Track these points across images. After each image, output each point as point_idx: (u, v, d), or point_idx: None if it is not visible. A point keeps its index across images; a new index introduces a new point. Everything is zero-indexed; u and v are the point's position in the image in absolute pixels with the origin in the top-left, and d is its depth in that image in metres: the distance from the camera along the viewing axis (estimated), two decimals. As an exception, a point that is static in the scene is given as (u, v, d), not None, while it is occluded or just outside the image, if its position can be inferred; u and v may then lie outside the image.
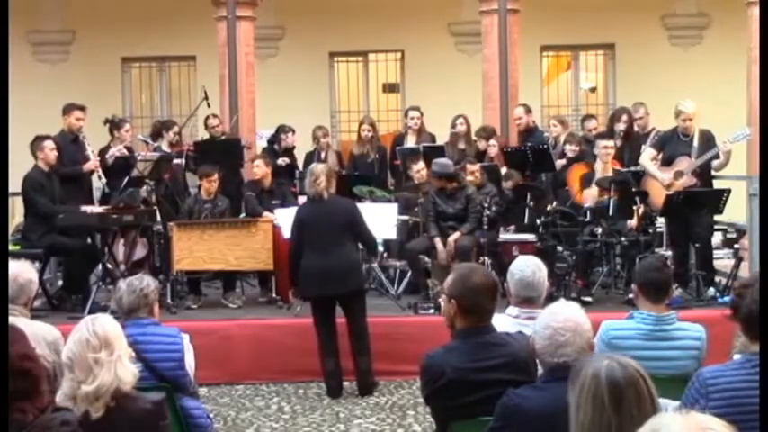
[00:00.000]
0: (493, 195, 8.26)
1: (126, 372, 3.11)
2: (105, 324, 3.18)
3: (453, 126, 9.62)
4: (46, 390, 2.74)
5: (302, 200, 9.22)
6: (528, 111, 9.68)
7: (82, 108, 8.51)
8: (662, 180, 7.96)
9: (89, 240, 8.05)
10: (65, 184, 8.12)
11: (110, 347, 3.12)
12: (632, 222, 8.00)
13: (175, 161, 9.24)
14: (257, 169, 8.69)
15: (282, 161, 9.36)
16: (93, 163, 8.46)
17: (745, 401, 3.00)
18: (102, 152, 8.85)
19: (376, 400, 6.74)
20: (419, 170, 8.66)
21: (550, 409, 2.95)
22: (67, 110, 8.49)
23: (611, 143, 8.42)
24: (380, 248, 8.49)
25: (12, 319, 3.38)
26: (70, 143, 8.43)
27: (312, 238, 6.72)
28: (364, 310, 6.90)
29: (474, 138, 9.60)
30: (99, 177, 8.61)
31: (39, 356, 2.74)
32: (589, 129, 9.93)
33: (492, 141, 9.31)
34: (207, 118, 10.16)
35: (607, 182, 8.05)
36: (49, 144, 7.92)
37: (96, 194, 8.88)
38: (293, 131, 9.92)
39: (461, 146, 9.54)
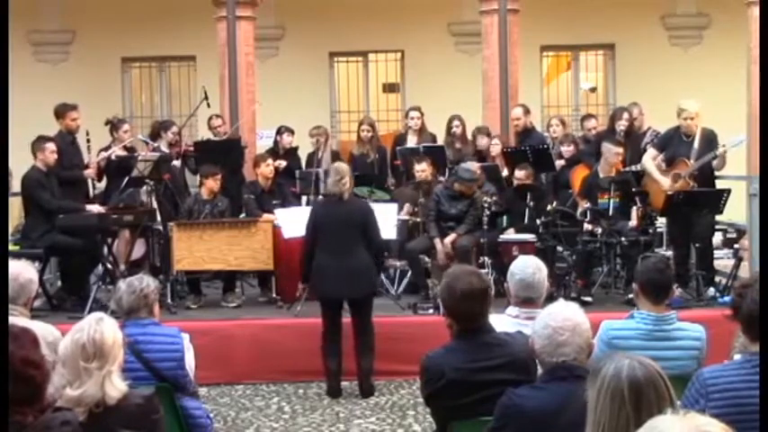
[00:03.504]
0: (493, 195, 8.26)
1: (113, 389, 3.08)
2: (106, 331, 3.15)
3: (450, 128, 9.61)
4: (47, 393, 2.74)
5: (303, 200, 9.28)
6: (526, 111, 9.65)
7: (75, 107, 8.45)
8: (663, 184, 7.95)
9: (89, 240, 8.05)
10: (62, 187, 8.11)
11: (102, 359, 3.09)
12: (633, 223, 8.01)
13: (174, 162, 9.23)
14: (265, 169, 8.65)
15: (278, 163, 9.27)
16: (91, 171, 8.46)
17: (746, 402, 3.01)
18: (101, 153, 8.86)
19: (376, 400, 6.74)
20: (423, 170, 8.64)
21: (550, 409, 2.96)
22: (61, 112, 8.39)
23: (621, 149, 8.38)
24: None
25: (13, 320, 3.38)
26: (70, 145, 8.43)
27: (328, 238, 6.72)
28: (372, 311, 6.91)
29: (475, 134, 9.58)
30: (93, 181, 8.59)
31: (45, 363, 2.71)
32: (589, 128, 9.94)
33: (495, 141, 9.30)
34: (210, 118, 10.16)
35: (607, 182, 8.06)
36: (50, 146, 7.91)
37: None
38: (291, 132, 9.90)
39: (458, 146, 9.53)
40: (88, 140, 8.59)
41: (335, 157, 10.05)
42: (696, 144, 7.91)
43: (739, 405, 3.02)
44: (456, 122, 9.58)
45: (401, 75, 12.98)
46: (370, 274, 6.87)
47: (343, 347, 6.83)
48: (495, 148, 9.22)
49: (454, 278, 3.61)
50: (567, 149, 9.12)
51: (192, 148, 9.70)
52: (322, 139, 9.83)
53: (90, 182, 8.65)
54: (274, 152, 9.62)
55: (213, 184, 8.35)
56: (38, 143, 7.91)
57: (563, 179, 9.03)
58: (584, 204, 8.26)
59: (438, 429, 3.69)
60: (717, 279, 8.22)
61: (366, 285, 6.79)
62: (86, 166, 8.54)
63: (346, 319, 6.88)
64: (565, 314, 3.09)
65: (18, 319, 3.75)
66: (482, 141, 9.46)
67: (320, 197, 8.60)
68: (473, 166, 8.25)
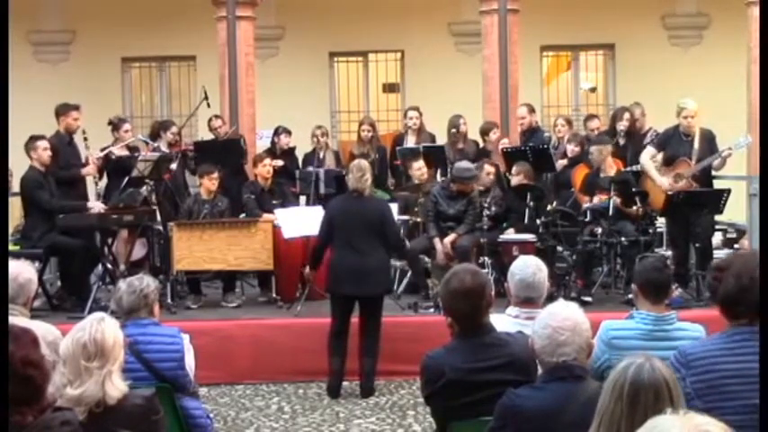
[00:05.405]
0: (495, 196, 8.26)
1: (113, 389, 3.09)
2: (107, 331, 3.16)
3: (455, 126, 9.58)
4: (47, 393, 2.73)
5: (302, 200, 9.29)
6: (531, 110, 9.69)
7: (77, 107, 8.46)
8: (661, 184, 7.96)
9: (89, 240, 8.05)
10: (60, 187, 8.11)
11: (103, 359, 3.10)
12: (633, 210, 7.93)
13: (172, 166, 9.22)
14: (263, 169, 8.64)
15: (275, 163, 9.24)
16: (90, 168, 8.46)
17: (724, 368, 3.16)
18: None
19: (376, 400, 6.74)
20: (419, 168, 8.63)
21: (550, 409, 2.96)
22: (63, 111, 8.39)
23: (605, 148, 8.40)
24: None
25: (13, 320, 3.38)
26: (67, 145, 8.42)
27: (345, 235, 6.71)
28: (382, 313, 6.90)
29: (487, 130, 9.55)
30: (94, 179, 8.59)
31: (44, 363, 2.71)
32: (591, 129, 9.94)
33: (505, 139, 9.28)
34: (210, 119, 10.16)
35: (607, 182, 8.06)
36: (42, 144, 7.91)
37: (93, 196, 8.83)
38: (288, 132, 9.90)
39: (460, 146, 9.52)
40: (85, 139, 8.58)
41: (337, 156, 10.08)
42: (696, 144, 7.92)
43: (718, 371, 3.16)
44: (462, 120, 9.56)
45: (401, 75, 12.97)
46: (388, 274, 6.88)
47: (348, 347, 6.82)
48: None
49: (450, 276, 3.63)
50: (574, 149, 9.10)
51: (191, 148, 9.69)
52: (325, 138, 9.86)
53: (90, 179, 8.63)
54: (271, 152, 9.61)
55: (209, 183, 8.33)
56: (30, 143, 7.90)
57: (564, 179, 9.03)
58: (587, 202, 8.25)
59: (438, 429, 3.69)
60: (717, 279, 8.20)
61: (380, 284, 6.79)
62: (84, 165, 8.52)
63: (354, 318, 6.87)
64: (565, 314, 3.09)
65: (18, 318, 3.75)
66: (493, 136, 9.42)
67: (301, 198, 8.59)
68: (468, 163, 8.24)
